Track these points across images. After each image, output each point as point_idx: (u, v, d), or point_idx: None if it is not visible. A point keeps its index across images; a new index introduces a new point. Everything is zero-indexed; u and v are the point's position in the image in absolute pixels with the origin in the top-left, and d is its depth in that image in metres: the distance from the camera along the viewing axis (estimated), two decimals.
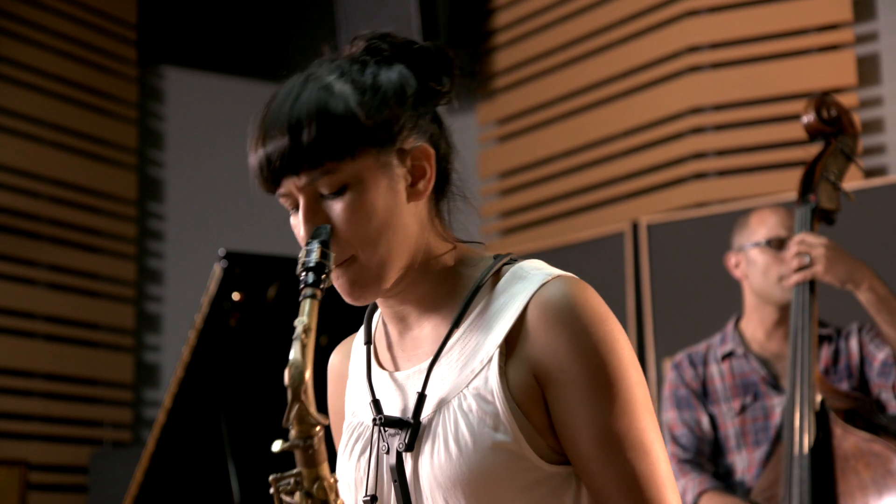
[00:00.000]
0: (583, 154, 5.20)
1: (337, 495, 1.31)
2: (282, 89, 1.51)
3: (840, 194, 3.04)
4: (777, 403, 3.16)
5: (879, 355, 3.06)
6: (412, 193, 1.47)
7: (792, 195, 4.13)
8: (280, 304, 3.77)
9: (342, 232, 1.42)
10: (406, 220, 1.46)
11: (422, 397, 1.45)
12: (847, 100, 4.51)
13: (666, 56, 4.94)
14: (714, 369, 3.27)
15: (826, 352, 3.15)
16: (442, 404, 1.44)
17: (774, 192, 4.46)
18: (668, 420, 3.26)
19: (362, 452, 1.51)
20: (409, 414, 1.46)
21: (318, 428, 1.29)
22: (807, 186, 3.04)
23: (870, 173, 4.39)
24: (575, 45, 5.29)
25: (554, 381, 1.40)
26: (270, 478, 1.32)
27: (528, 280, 1.45)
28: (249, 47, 6.40)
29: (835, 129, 3.05)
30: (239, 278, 3.72)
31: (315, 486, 1.30)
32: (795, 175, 4.55)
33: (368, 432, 1.52)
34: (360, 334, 1.64)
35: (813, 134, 3.08)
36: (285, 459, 1.49)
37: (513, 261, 1.53)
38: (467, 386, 1.42)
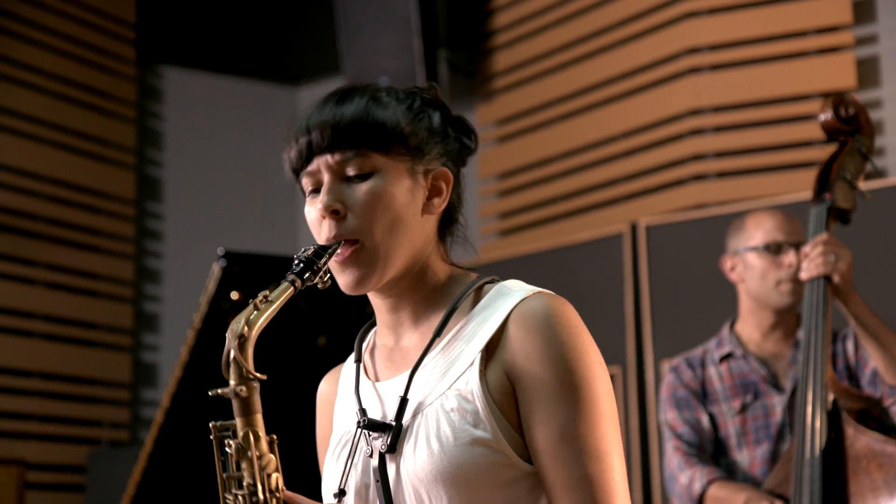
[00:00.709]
0: (582, 155, 5.20)
1: (263, 449, 1.43)
2: (329, 93, 1.60)
3: (856, 193, 3.03)
4: (777, 402, 3.16)
5: (871, 363, 3.07)
6: (426, 207, 1.57)
7: (791, 196, 4.14)
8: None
9: (357, 213, 1.51)
10: (415, 226, 1.55)
11: (403, 401, 1.52)
12: None
13: (666, 58, 4.94)
14: (712, 371, 3.27)
15: None
16: (424, 406, 1.50)
17: (774, 193, 4.46)
18: (669, 419, 3.26)
19: (348, 457, 1.56)
20: (392, 418, 1.52)
21: (253, 382, 1.42)
22: (822, 185, 3.02)
23: (869, 175, 4.39)
24: (574, 47, 5.29)
25: (524, 382, 1.46)
26: (211, 424, 1.45)
27: (511, 296, 1.53)
28: (248, 47, 6.40)
29: (852, 128, 3.05)
30: (237, 278, 3.72)
31: (242, 435, 1.42)
32: (795, 177, 4.58)
33: (353, 437, 1.57)
34: (351, 359, 1.70)
35: (830, 132, 3.07)
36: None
37: (496, 281, 1.60)
38: (449, 388, 1.49)
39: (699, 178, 4.81)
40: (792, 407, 3.11)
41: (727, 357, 3.27)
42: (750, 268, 3.24)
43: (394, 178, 1.53)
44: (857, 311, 2.90)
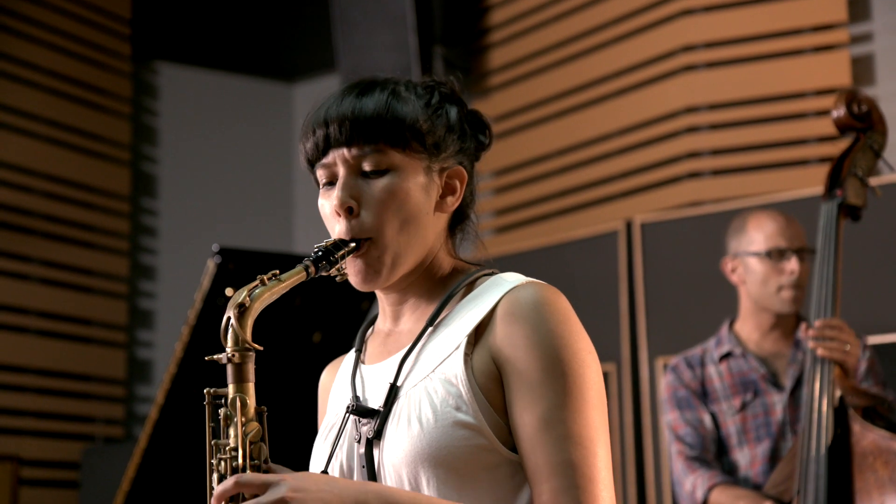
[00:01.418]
0: (577, 152, 5.20)
1: (250, 415, 1.44)
2: (349, 84, 1.60)
3: (867, 190, 3.03)
4: (777, 400, 3.17)
5: (863, 360, 3.08)
6: (440, 205, 1.58)
7: (787, 194, 4.15)
8: (274, 300, 3.76)
9: (371, 210, 1.52)
10: (427, 224, 1.56)
11: (392, 387, 1.52)
12: None
13: (661, 55, 4.94)
14: (712, 370, 3.28)
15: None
16: (408, 389, 1.50)
17: (769, 191, 4.46)
18: (671, 421, 3.27)
19: (335, 440, 1.57)
20: (381, 404, 1.52)
21: (248, 351, 1.44)
22: (834, 181, 3.02)
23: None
24: (569, 44, 5.29)
25: (510, 367, 1.46)
26: (205, 390, 1.47)
27: (503, 285, 1.53)
28: (244, 44, 6.39)
29: (864, 125, 3.05)
30: (232, 274, 3.71)
31: (230, 400, 1.44)
32: (791, 174, 4.58)
33: (341, 422, 1.57)
34: (354, 348, 1.71)
35: (842, 128, 3.07)
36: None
37: (494, 273, 1.60)
38: (434, 371, 1.49)
39: (694, 175, 4.82)
40: (792, 405, 3.12)
41: (727, 356, 3.28)
42: (751, 272, 3.24)
43: (409, 175, 1.53)
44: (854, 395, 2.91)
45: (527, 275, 1.57)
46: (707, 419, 3.22)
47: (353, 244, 1.51)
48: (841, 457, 2.78)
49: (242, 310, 1.44)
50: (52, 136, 5.66)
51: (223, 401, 1.46)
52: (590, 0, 5.22)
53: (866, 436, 2.76)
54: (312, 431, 1.70)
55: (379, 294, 1.63)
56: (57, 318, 5.59)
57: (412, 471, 1.45)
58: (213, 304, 3.74)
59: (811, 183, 4.37)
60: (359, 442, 1.53)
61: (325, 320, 3.90)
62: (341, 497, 1.37)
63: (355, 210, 1.52)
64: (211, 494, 1.44)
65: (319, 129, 1.54)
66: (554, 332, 1.46)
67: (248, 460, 1.43)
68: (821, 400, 2.82)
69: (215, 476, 1.44)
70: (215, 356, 1.45)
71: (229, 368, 1.44)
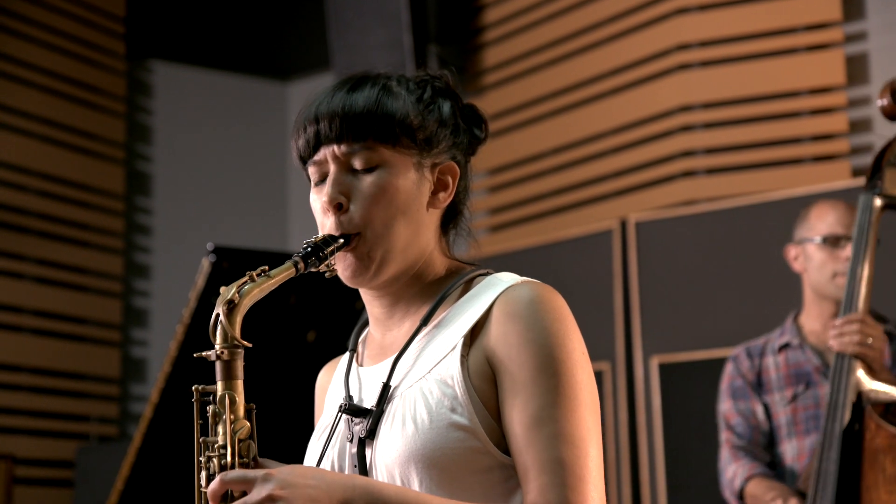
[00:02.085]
0: (571, 151, 5.20)
1: (239, 414, 1.43)
2: (341, 80, 1.61)
3: None
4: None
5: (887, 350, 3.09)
6: (432, 200, 1.57)
7: (780, 193, 4.15)
8: (268, 299, 3.76)
9: (361, 205, 1.51)
10: (418, 219, 1.55)
11: (386, 387, 1.51)
12: (835, 99, 4.53)
13: (655, 54, 4.95)
14: (770, 360, 3.33)
15: (887, 349, 3.14)
16: (403, 390, 1.50)
17: (763, 190, 4.47)
18: (724, 410, 3.33)
19: (328, 439, 1.56)
20: (374, 403, 1.52)
21: (237, 348, 1.43)
22: (875, 171, 3.03)
23: (858, 172, 4.40)
24: (564, 43, 5.29)
25: (503, 366, 1.45)
26: (194, 387, 1.47)
27: (499, 285, 1.53)
28: (238, 42, 6.39)
29: None
30: (227, 273, 3.71)
31: (219, 397, 1.44)
32: (785, 173, 4.59)
33: (334, 421, 1.57)
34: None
35: (890, 117, 3.07)
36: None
37: (489, 273, 1.59)
38: (429, 372, 1.48)
39: (688, 174, 4.82)
40: None
41: (785, 347, 3.32)
42: (810, 259, 3.29)
43: (400, 171, 1.53)
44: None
45: (521, 274, 1.56)
46: (759, 410, 3.27)
47: (341, 240, 1.51)
48: (853, 452, 2.79)
49: (231, 306, 1.44)
50: (46, 134, 5.66)
51: (212, 398, 1.45)
52: None
53: (880, 433, 2.77)
54: (307, 430, 1.70)
55: (370, 300, 1.61)
56: (51, 317, 5.59)
57: (404, 471, 1.44)
58: (208, 302, 3.74)
59: (805, 181, 4.38)
60: (351, 441, 1.52)
61: (320, 319, 3.90)
62: (329, 491, 1.37)
63: (345, 206, 1.51)
64: (198, 492, 1.44)
65: (310, 126, 1.54)
66: (549, 331, 1.45)
67: (236, 458, 1.43)
68: (837, 394, 2.84)
69: (203, 474, 1.44)
70: (204, 353, 1.45)
71: (218, 365, 1.44)
